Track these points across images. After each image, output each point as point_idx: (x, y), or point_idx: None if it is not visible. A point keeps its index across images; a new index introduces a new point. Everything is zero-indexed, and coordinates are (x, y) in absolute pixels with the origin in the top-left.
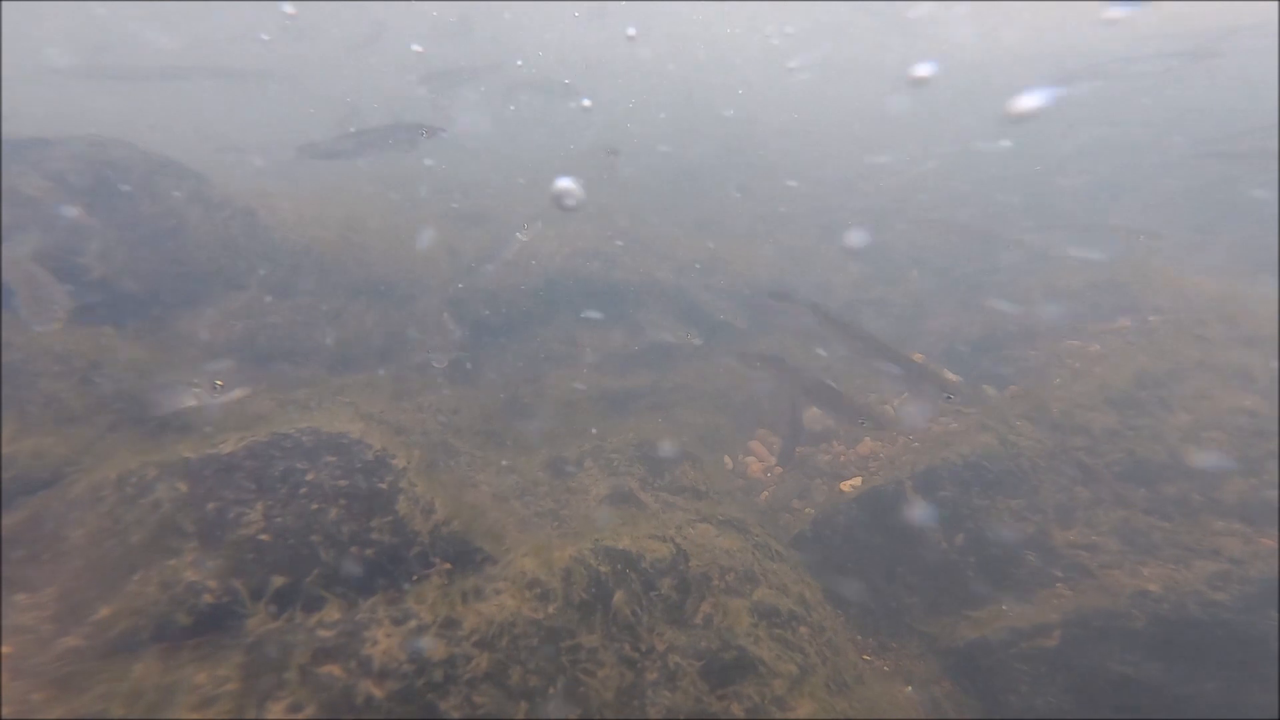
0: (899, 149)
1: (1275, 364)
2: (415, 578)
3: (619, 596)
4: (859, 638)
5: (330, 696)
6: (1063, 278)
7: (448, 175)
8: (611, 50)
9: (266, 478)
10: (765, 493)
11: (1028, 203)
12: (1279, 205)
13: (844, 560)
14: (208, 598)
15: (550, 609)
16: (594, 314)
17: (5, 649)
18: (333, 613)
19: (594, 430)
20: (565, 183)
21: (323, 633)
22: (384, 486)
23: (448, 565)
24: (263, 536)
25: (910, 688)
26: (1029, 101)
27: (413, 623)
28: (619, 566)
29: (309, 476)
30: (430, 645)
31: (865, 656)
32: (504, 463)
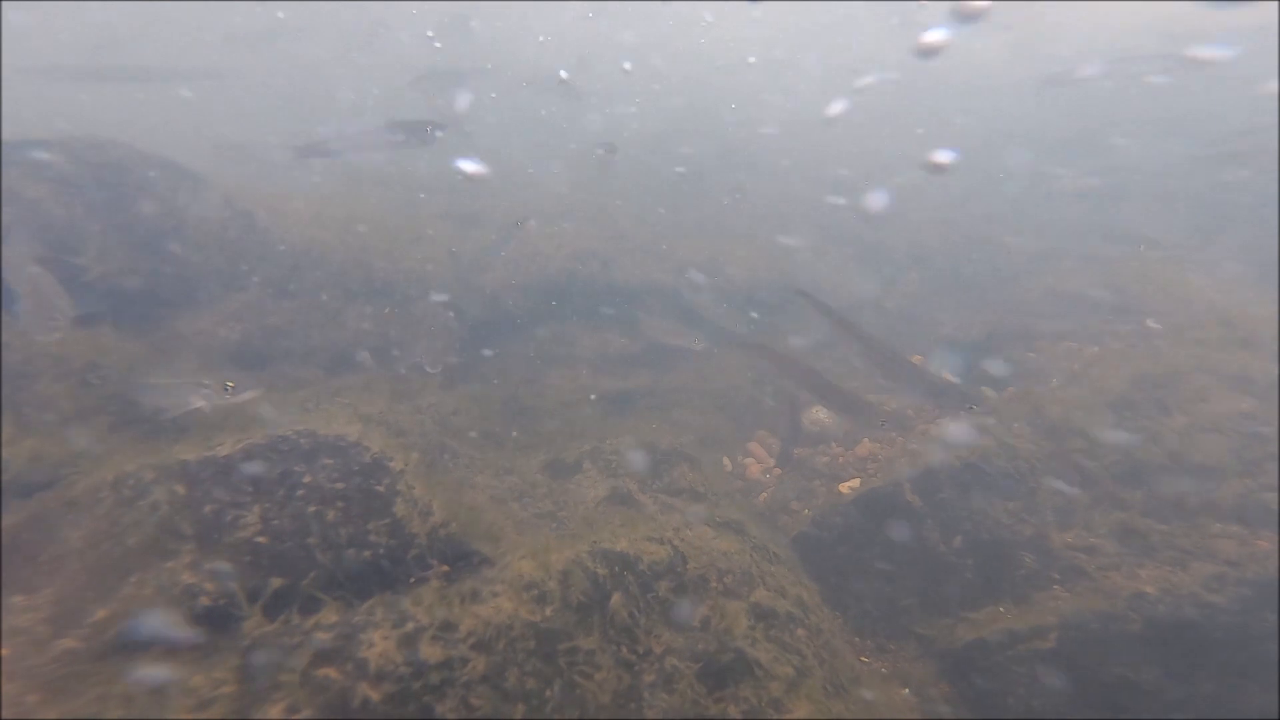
0: (898, 150)
1: (1273, 366)
2: (413, 580)
3: (616, 599)
4: (857, 639)
5: (327, 699)
6: (1061, 280)
7: (447, 176)
8: (611, 52)
9: (264, 480)
10: (764, 494)
11: (1027, 204)
12: (1278, 207)
13: (842, 562)
14: (205, 600)
15: (547, 611)
16: (593, 315)
17: (3, 651)
18: (330, 615)
19: (592, 431)
20: (469, 164)
21: (320, 635)
22: (382, 489)
23: (445, 568)
24: (260, 539)
25: (908, 690)
26: (942, 157)
27: (410, 625)
28: (616, 569)
29: (306, 479)
30: (427, 648)
31: (863, 658)
32: (502, 464)
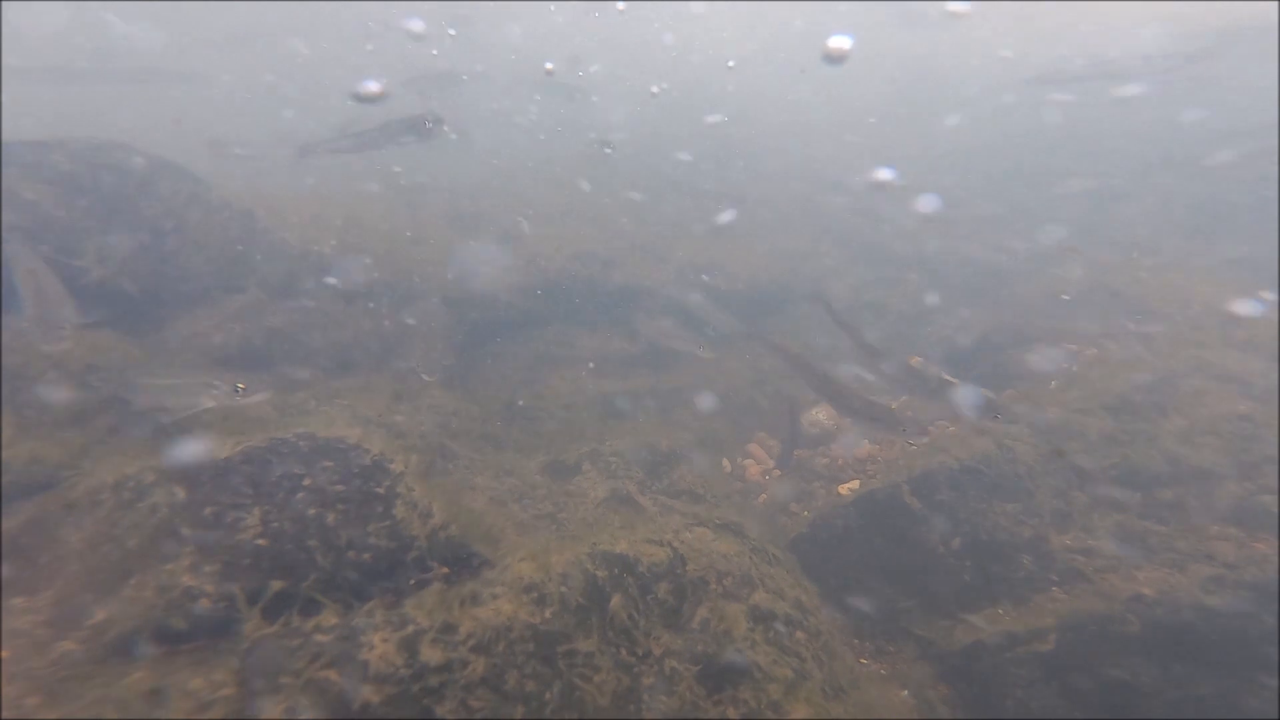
0: (898, 151)
1: (1272, 368)
2: (413, 582)
3: (616, 601)
4: (856, 641)
5: (326, 701)
6: (1061, 282)
7: (447, 177)
8: (612, 53)
9: (264, 482)
10: (763, 495)
11: (1028, 206)
12: (1278, 212)
13: (841, 564)
14: (204, 602)
15: (547, 613)
16: (593, 316)
17: (3, 653)
18: (329, 617)
19: (592, 433)
20: (370, 84)
21: (319, 637)
22: (381, 491)
23: (445, 569)
24: (260, 541)
25: (906, 691)
26: (883, 174)
27: (409, 628)
28: (616, 571)
29: (306, 481)
30: (427, 650)
31: (862, 660)
32: (502, 466)
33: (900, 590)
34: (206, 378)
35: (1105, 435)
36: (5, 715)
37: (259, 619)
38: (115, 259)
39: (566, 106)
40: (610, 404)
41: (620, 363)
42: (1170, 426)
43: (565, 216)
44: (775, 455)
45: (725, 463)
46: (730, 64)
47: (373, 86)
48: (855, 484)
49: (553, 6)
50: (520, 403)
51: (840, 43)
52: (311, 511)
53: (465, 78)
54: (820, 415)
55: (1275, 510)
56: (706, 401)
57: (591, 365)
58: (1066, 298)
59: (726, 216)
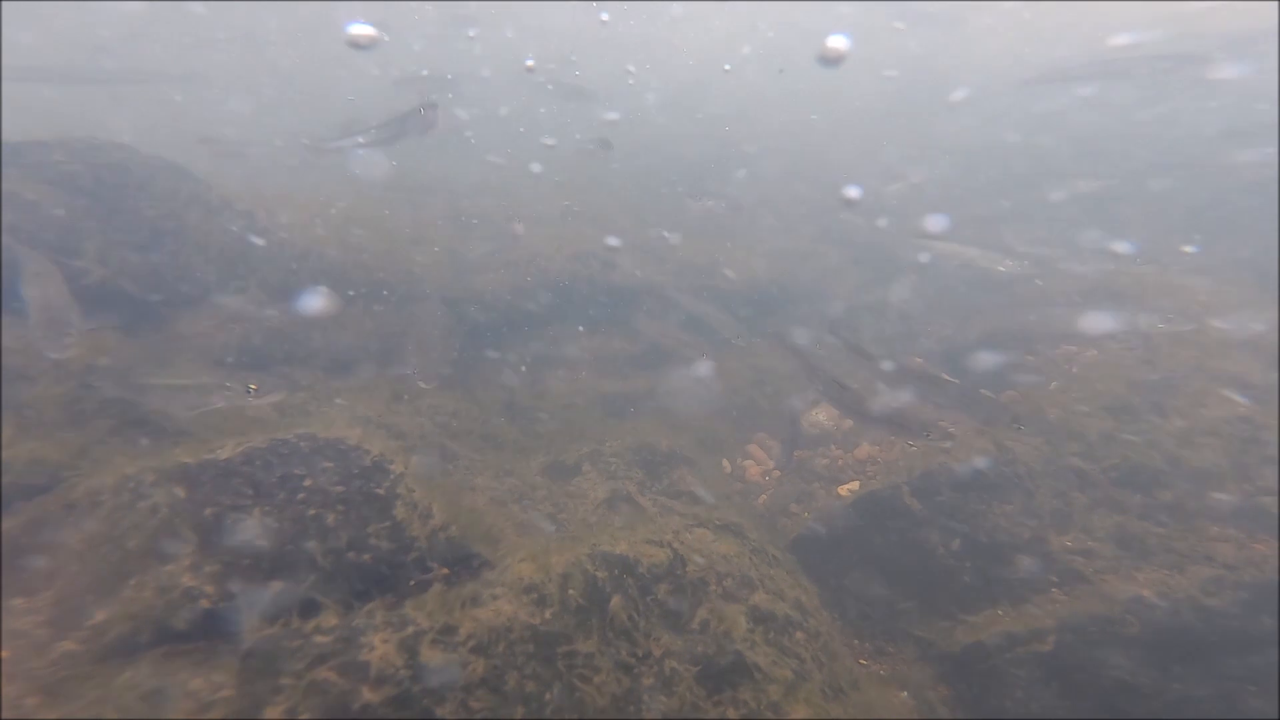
0: (898, 151)
1: (1272, 371)
2: (413, 583)
3: (616, 602)
4: (855, 642)
5: (326, 702)
6: (1061, 283)
7: (447, 177)
8: (612, 54)
9: (264, 483)
10: (763, 496)
11: (1028, 207)
12: (1278, 215)
13: (841, 564)
14: (204, 603)
15: (547, 614)
16: (593, 316)
17: (3, 653)
18: (329, 618)
19: (592, 433)
20: (359, 28)
21: (319, 638)
22: (381, 492)
23: (445, 570)
24: (260, 542)
25: (906, 692)
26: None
27: (409, 629)
28: (616, 572)
29: (307, 482)
30: (427, 651)
31: (861, 661)
32: (502, 466)
33: (900, 591)
34: (219, 378)
35: (1105, 436)
36: (5, 715)
37: (259, 620)
38: (115, 259)
39: (566, 107)
40: (610, 404)
41: (620, 363)
42: (1170, 428)
43: (565, 217)
44: (775, 456)
45: (725, 463)
46: (726, 67)
47: (365, 30)
48: (855, 485)
49: (552, 7)
50: (520, 403)
51: (838, 43)
52: (311, 512)
53: (464, 81)
54: (820, 416)
55: (1275, 512)
56: (706, 402)
57: (591, 365)
58: (1067, 299)
59: (726, 216)
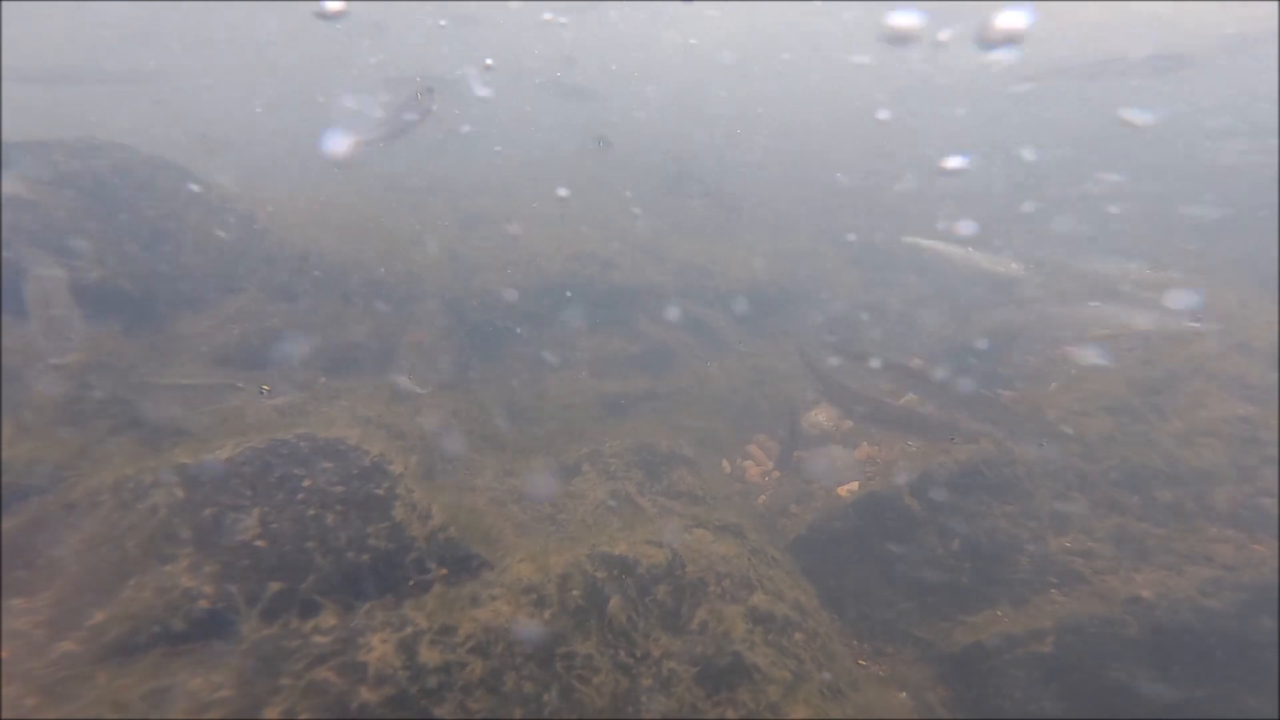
0: (896, 152)
1: (1271, 371)
2: (412, 583)
3: (615, 602)
4: (854, 643)
5: (325, 702)
6: (1061, 284)
7: (447, 177)
8: (613, 54)
9: (263, 484)
10: (763, 497)
11: (1027, 207)
12: (1278, 216)
13: (840, 565)
14: (203, 603)
15: (546, 615)
16: (592, 316)
17: (2, 654)
18: (328, 619)
19: (592, 433)
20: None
21: (318, 639)
22: (381, 492)
23: (444, 571)
24: (259, 542)
25: (905, 693)
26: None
27: (408, 629)
28: (615, 572)
29: (306, 482)
30: (426, 651)
31: (860, 662)
32: (502, 466)
33: (899, 592)
34: (226, 379)
35: (1104, 436)
36: (5, 715)
37: (258, 620)
38: (115, 259)
39: (565, 107)
40: (610, 404)
41: (620, 363)
42: (1169, 428)
43: (565, 217)
44: (775, 456)
45: (725, 464)
46: (726, 67)
47: (335, 4)
48: (854, 485)
49: (552, 7)
50: (520, 403)
51: (904, 20)
52: (311, 512)
53: (458, 82)
54: (820, 416)
55: (1274, 512)
56: (706, 403)
57: (591, 366)
58: (1067, 299)
59: (726, 216)
